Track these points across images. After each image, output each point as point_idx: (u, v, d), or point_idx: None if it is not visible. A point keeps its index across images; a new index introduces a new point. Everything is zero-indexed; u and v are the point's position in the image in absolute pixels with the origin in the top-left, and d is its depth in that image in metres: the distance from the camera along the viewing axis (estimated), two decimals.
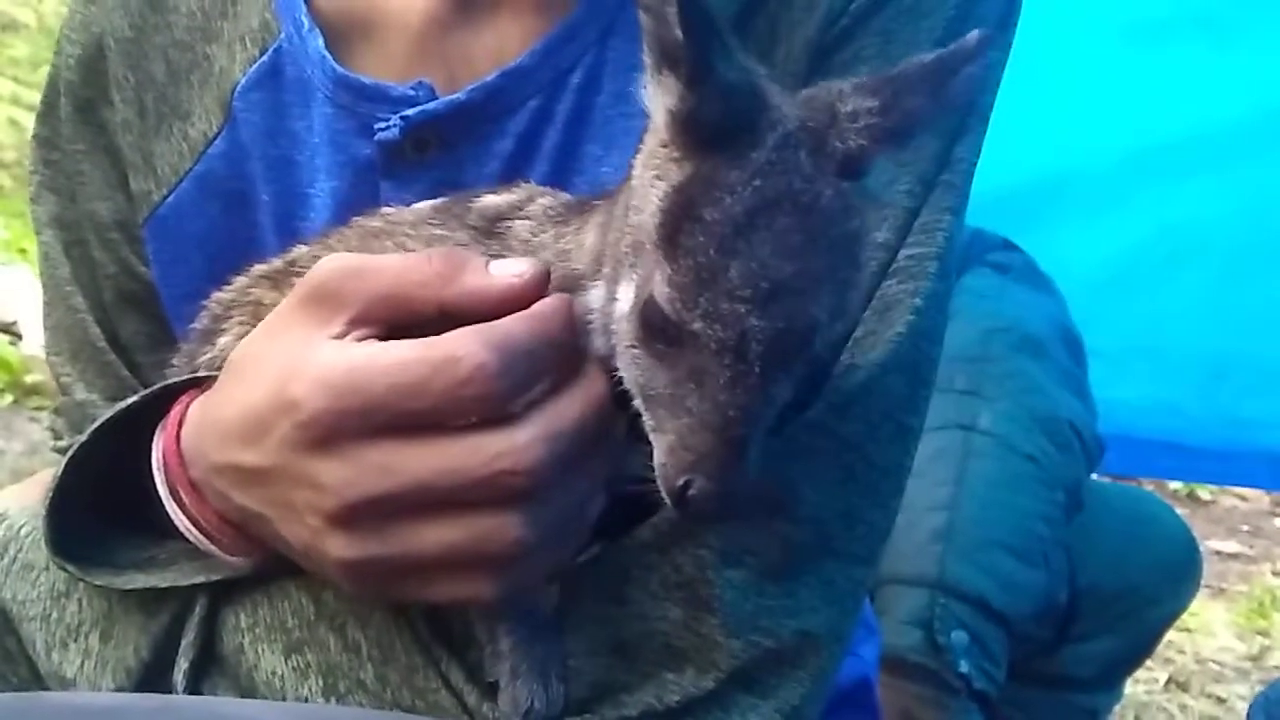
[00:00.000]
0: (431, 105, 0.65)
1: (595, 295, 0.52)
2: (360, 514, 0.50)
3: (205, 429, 0.57)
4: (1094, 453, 1.55)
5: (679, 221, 0.46)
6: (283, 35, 0.68)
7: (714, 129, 0.47)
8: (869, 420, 0.60)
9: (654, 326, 0.46)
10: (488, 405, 0.49)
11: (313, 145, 0.67)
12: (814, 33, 0.64)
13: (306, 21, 0.67)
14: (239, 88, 0.68)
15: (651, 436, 0.48)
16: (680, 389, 0.46)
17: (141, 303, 0.72)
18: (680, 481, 0.45)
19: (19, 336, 3.07)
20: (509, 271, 0.51)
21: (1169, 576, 1.59)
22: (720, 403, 0.45)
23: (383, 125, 0.64)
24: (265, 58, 0.68)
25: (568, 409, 0.51)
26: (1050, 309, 1.65)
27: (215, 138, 0.69)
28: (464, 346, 0.49)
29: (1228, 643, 2.24)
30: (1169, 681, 2.07)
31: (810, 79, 0.63)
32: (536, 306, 0.51)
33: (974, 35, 0.51)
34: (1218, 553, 2.51)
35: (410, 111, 0.64)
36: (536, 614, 0.55)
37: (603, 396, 0.52)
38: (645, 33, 0.48)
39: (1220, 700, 2.04)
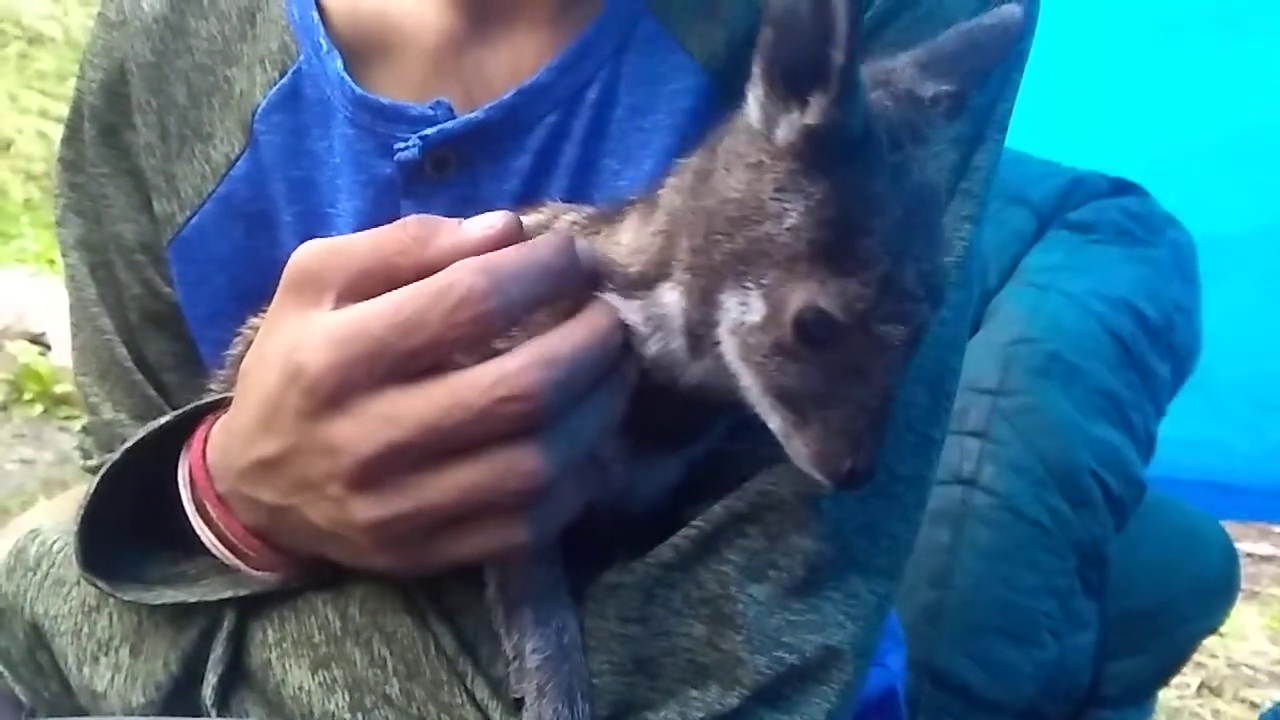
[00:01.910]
0: (450, 125, 0.65)
1: (670, 297, 0.53)
2: (376, 469, 0.51)
3: (228, 438, 0.58)
4: (1125, 501, 1.34)
5: (845, 236, 0.47)
6: (302, 57, 0.69)
7: (852, 140, 0.48)
8: (891, 432, 0.59)
9: (814, 334, 0.48)
10: (483, 327, 0.50)
11: (334, 165, 0.68)
12: None
13: (325, 43, 0.68)
14: (260, 110, 0.69)
15: (786, 426, 0.50)
16: (838, 383, 0.49)
17: (167, 323, 0.73)
18: (847, 465, 0.48)
19: (48, 347, 3.11)
20: (482, 224, 0.53)
21: (1206, 595, 1.48)
22: (883, 387, 0.49)
23: (402, 145, 0.65)
24: (285, 80, 0.69)
25: (565, 336, 0.52)
26: (1122, 287, 1.40)
27: (237, 159, 0.70)
28: (454, 274, 0.50)
29: (1260, 647, 2.20)
30: (1201, 686, 2.04)
31: None
32: (528, 241, 0.53)
33: (1014, 10, 0.52)
34: (1250, 555, 2.46)
35: (429, 131, 0.65)
36: (564, 632, 0.56)
37: (606, 329, 0.53)
38: (769, 47, 0.48)
39: (1254, 705, 2.01)
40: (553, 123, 0.66)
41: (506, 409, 0.50)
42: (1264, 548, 2.58)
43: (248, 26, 0.71)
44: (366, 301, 0.51)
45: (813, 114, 0.47)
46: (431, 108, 0.66)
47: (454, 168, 0.66)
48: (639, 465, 0.57)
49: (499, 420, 0.50)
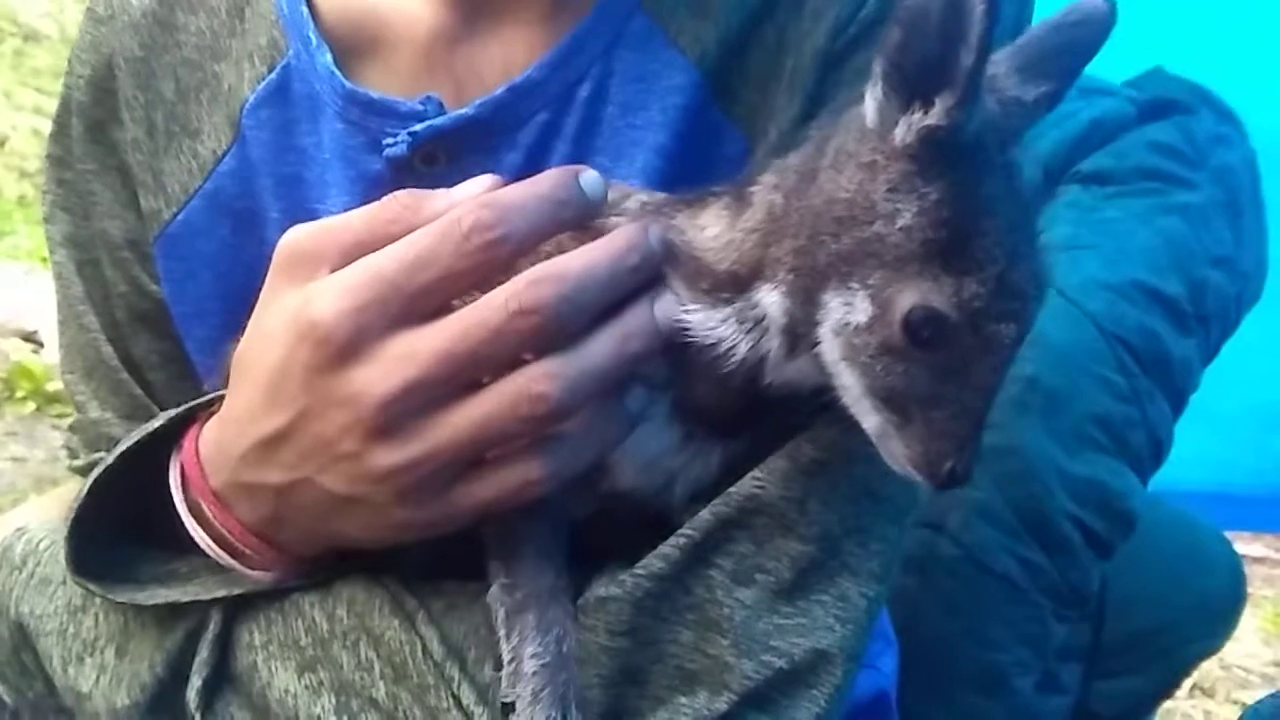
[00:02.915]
0: (439, 120, 0.65)
1: (771, 297, 0.52)
2: (396, 410, 0.51)
3: (224, 428, 0.57)
4: (1111, 537, 1.20)
5: (960, 236, 0.48)
6: (291, 52, 0.68)
7: (969, 141, 0.48)
8: None
9: (924, 334, 0.48)
10: (492, 255, 0.51)
11: (322, 161, 0.68)
12: (823, 42, 0.63)
13: (314, 38, 0.67)
14: (248, 105, 0.68)
15: (886, 426, 0.50)
16: (943, 383, 0.49)
17: (153, 321, 0.72)
18: (948, 467, 0.49)
19: (41, 344, 3.10)
20: (470, 187, 0.54)
21: (1209, 617, 1.40)
22: (986, 388, 0.49)
23: (391, 141, 0.64)
24: (274, 75, 0.68)
25: (574, 255, 0.52)
26: (1136, 263, 1.21)
27: (224, 155, 0.69)
28: (460, 209, 0.51)
29: (1253, 648, 2.20)
30: (1193, 688, 2.04)
31: (819, 89, 0.63)
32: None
33: (1098, 3, 0.53)
34: (1243, 557, 2.46)
35: (418, 127, 0.64)
36: (564, 641, 0.55)
37: (619, 249, 0.53)
38: (895, 48, 0.48)
39: (1246, 707, 2.01)
40: (544, 120, 0.65)
41: (518, 324, 0.50)
42: (1256, 549, 2.58)
43: (236, 21, 0.70)
44: (374, 252, 0.52)
45: (936, 115, 0.47)
46: (421, 103, 0.65)
47: (443, 164, 0.65)
48: (683, 453, 0.57)
49: (511, 337, 0.50)
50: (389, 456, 0.52)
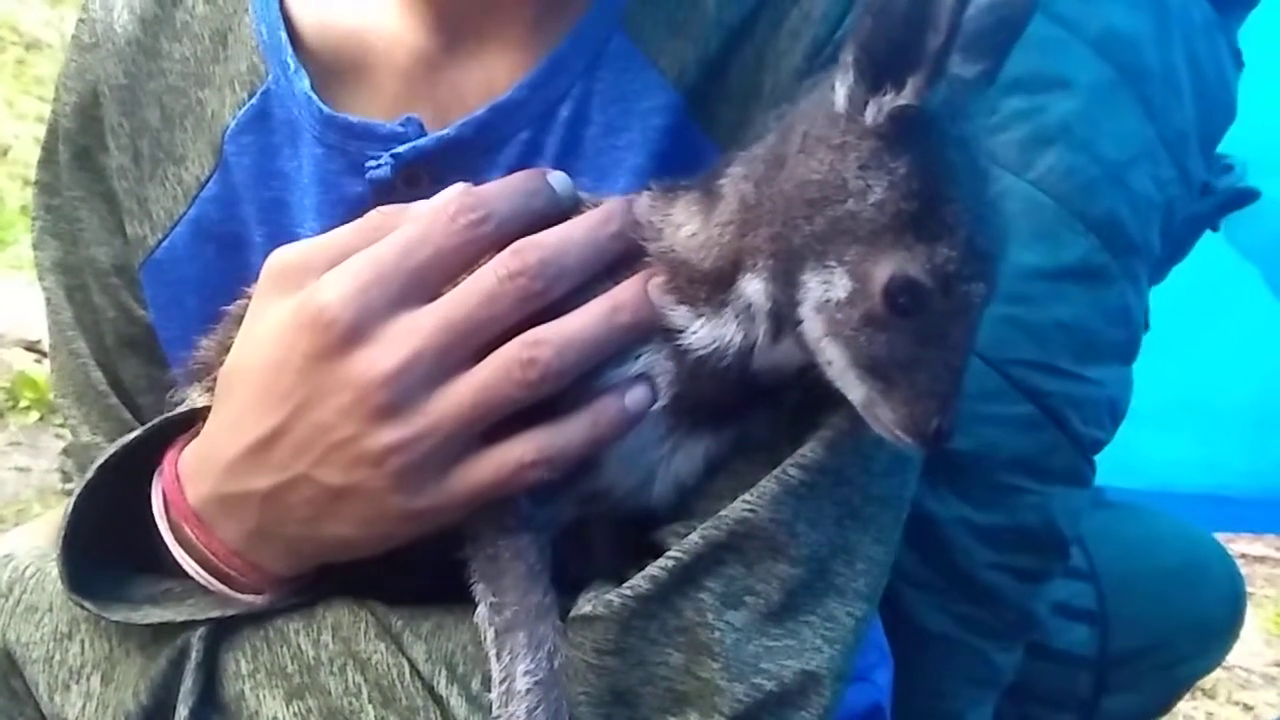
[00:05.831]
0: (422, 142, 0.65)
1: (754, 286, 0.54)
2: (398, 384, 0.53)
3: (207, 443, 0.58)
4: (1045, 570, 1.12)
5: (929, 205, 0.50)
6: (270, 78, 0.68)
7: (932, 116, 0.50)
8: (863, 454, 0.59)
9: (903, 301, 0.50)
10: (479, 233, 0.55)
11: (303, 186, 0.68)
12: (800, 61, 0.63)
13: (292, 63, 0.67)
14: (229, 131, 0.68)
15: (871, 394, 0.51)
16: (923, 347, 0.50)
17: (141, 346, 0.72)
18: (934, 425, 0.50)
19: (43, 354, 3.11)
20: (445, 192, 0.58)
21: (1208, 635, 1.37)
22: (961, 347, 0.51)
23: (374, 164, 0.65)
24: (254, 101, 0.68)
25: (553, 229, 0.56)
26: (1022, 244, 1.01)
27: (208, 181, 0.69)
28: (444, 196, 0.57)
29: (1255, 648, 2.19)
30: (1195, 689, 2.03)
31: None
32: None
33: None
34: (1244, 556, 2.45)
35: (402, 149, 0.65)
36: (555, 656, 0.55)
37: (594, 221, 0.57)
38: (866, 36, 0.49)
39: (1248, 708, 2.00)
40: (525, 140, 0.65)
41: (506, 287, 0.54)
42: (1258, 548, 2.57)
43: (219, 48, 0.70)
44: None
45: (907, 95, 0.49)
46: (401, 125, 0.65)
47: (426, 185, 0.65)
48: (663, 446, 0.58)
49: (502, 301, 0.54)
50: (390, 434, 0.53)
